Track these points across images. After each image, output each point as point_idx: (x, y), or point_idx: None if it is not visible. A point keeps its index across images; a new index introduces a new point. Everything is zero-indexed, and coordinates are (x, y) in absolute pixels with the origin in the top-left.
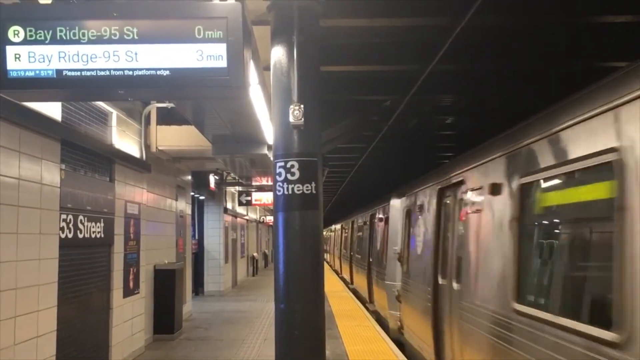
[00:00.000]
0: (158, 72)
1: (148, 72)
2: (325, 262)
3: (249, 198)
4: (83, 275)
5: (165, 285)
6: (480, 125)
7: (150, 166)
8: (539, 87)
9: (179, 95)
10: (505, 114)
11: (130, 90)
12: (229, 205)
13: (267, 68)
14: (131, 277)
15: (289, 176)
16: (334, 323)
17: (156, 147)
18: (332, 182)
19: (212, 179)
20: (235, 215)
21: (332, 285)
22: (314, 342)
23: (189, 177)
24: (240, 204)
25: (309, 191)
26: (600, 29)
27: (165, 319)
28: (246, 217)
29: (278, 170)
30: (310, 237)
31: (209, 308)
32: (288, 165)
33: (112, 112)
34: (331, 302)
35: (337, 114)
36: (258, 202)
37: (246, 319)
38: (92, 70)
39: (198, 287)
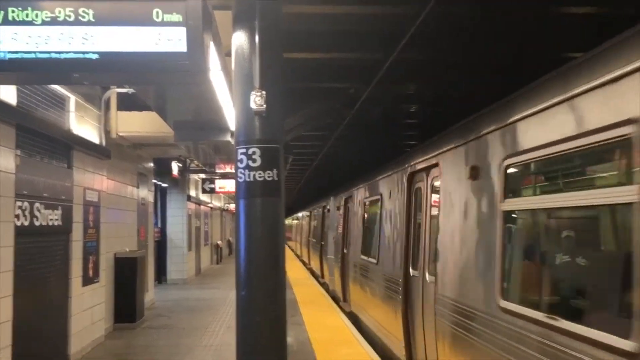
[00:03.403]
0: (114, 56)
1: (104, 56)
2: (291, 251)
3: (212, 186)
4: (40, 263)
5: (127, 274)
6: (444, 114)
7: (110, 152)
8: (501, 76)
9: (136, 80)
10: (468, 103)
11: (85, 74)
12: (193, 193)
13: (230, 54)
14: (91, 265)
15: (250, 163)
16: (298, 310)
17: (116, 133)
18: (297, 170)
19: (175, 166)
20: (199, 203)
21: (297, 273)
22: (275, 328)
23: (151, 164)
24: (204, 191)
25: (271, 178)
26: (563, 19)
27: (126, 307)
28: (210, 205)
29: (239, 157)
30: (272, 224)
31: (172, 296)
32: (249, 152)
33: (70, 97)
34: (295, 289)
35: (301, 102)
36: (222, 190)
37: (209, 306)
38: (46, 52)
39: (161, 275)
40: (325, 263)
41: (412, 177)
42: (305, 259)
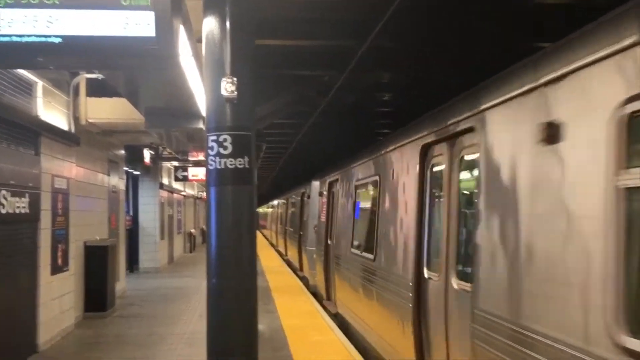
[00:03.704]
0: (79, 40)
1: (68, 40)
2: (267, 240)
3: (185, 173)
4: (7, 252)
5: (97, 262)
6: (418, 103)
7: (79, 139)
8: (473, 66)
9: (104, 65)
10: (442, 92)
11: (50, 58)
12: (165, 181)
13: (201, 40)
14: (60, 253)
15: (221, 150)
16: (271, 298)
17: (86, 120)
18: (271, 158)
19: (146, 154)
20: (172, 190)
21: (270, 261)
22: (246, 316)
23: (122, 152)
24: (177, 179)
25: (242, 166)
26: (532, 9)
27: (97, 296)
28: (183, 193)
29: (210, 144)
30: (243, 212)
31: (144, 285)
32: (220, 139)
33: (37, 82)
34: (268, 277)
35: (274, 89)
36: (195, 178)
37: (182, 295)
38: (9, 35)
39: (133, 264)
40: (305, 255)
41: (426, 151)
42: (282, 249)
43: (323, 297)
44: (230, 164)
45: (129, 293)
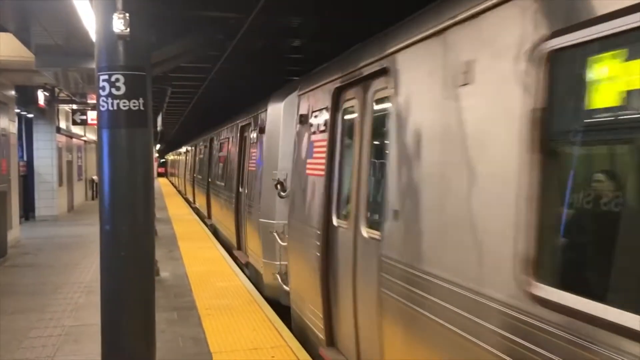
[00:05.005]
0: None
1: None
2: (175, 188)
3: (84, 117)
4: None
5: None
6: (327, 50)
7: None
8: (381, 12)
9: None
10: (350, 39)
11: None
12: (63, 125)
13: None
14: None
15: (113, 91)
16: (176, 245)
17: None
18: (180, 103)
19: (41, 95)
20: (71, 135)
21: (178, 209)
22: (142, 263)
23: (12, 92)
24: (75, 123)
25: (137, 107)
26: None
27: None
28: (84, 138)
29: (102, 84)
30: (139, 156)
31: (40, 233)
32: (113, 79)
33: None
34: (175, 225)
35: (179, 30)
36: (94, 122)
37: (82, 243)
38: None
39: (29, 211)
40: (254, 231)
41: None
42: (203, 209)
43: (321, 340)
44: (124, 106)
45: (24, 242)
